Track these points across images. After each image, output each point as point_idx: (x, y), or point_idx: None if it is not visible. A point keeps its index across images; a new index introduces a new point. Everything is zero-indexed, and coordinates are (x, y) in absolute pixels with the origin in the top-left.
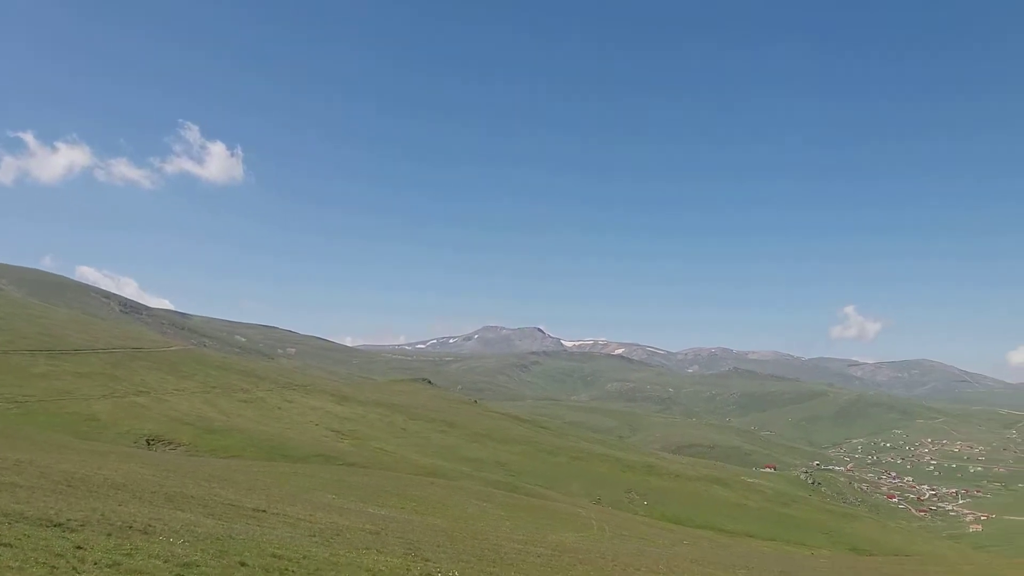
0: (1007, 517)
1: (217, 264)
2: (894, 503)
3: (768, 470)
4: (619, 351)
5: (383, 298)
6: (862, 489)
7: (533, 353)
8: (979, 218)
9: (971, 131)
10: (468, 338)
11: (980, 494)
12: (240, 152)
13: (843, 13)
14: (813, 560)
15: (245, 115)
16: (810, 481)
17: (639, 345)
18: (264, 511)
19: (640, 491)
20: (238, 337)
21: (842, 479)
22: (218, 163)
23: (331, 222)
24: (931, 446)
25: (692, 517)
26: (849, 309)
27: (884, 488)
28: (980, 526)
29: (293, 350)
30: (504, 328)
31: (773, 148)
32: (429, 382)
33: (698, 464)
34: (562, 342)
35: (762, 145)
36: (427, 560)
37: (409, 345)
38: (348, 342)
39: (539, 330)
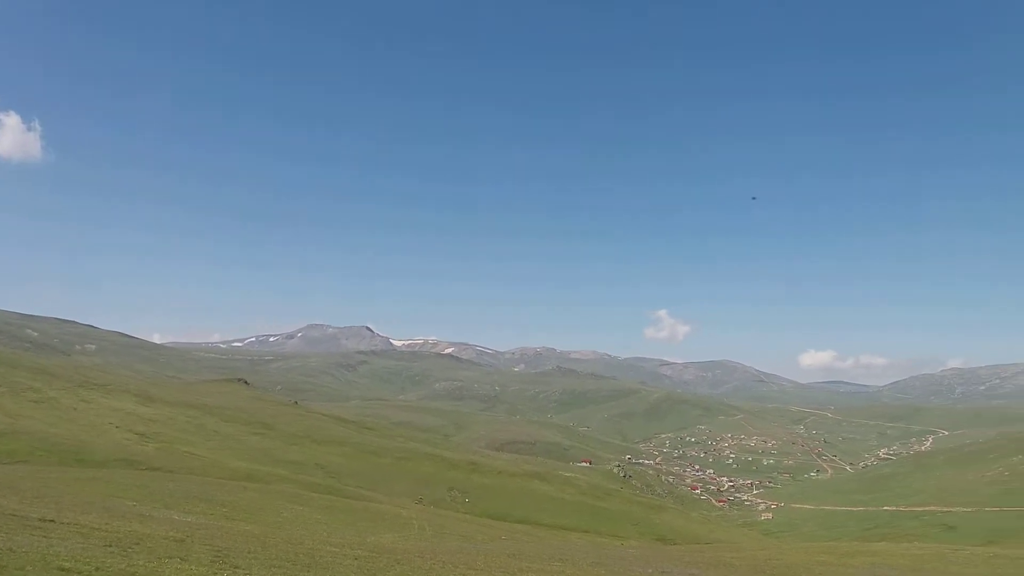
0: (794, 505)
1: (5, 251)
2: (697, 494)
3: (584, 464)
4: (449, 350)
5: (197, 294)
6: (669, 481)
7: (360, 352)
8: (773, 235)
9: (777, 136)
10: (290, 336)
11: (771, 484)
12: (38, 127)
13: None
14: (623, 550)
15: (46, 84)
16: (622, 474)
17: (469, 344)
18: (53, 521)
19: (462, 489)
20: (29, 331)
21: (651, 472)
22: (10, 137)
23: (140, 213)
24: (731, 441)
25: (512, 512)
26: (662, 312)
27: (688, 480)
28: (771, 514)
29: (93, 347)
30: (330, 326)
31: (591, 151)
32: (245, 382)
33: (520, 460)
34: (391, 341)
35: (579, 148)
36: (236, 567)
37: (225, 343)
38: (156, 339)
39: (367, 329)
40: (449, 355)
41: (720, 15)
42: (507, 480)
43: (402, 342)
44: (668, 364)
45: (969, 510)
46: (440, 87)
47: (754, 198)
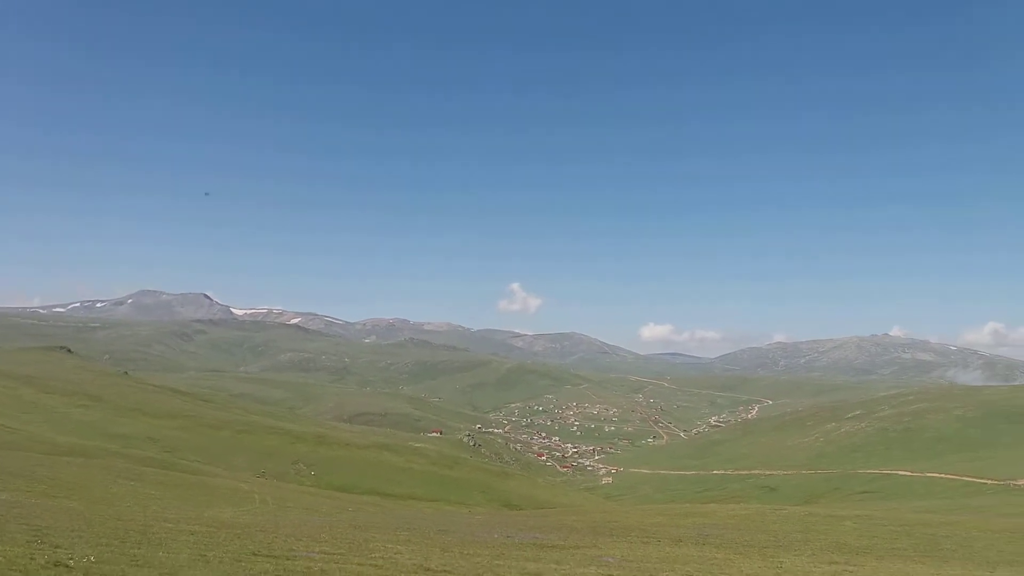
0: (632, 470)
1: None
2: (543, 461)
3: (435, 434)
4: (295, 320)
5: (13, 254)
6: (517, 449)
7: (198, 321)
8: (619, 214)
9: (613, 120)
10: (120, 303)
11: (612, 450)
12: None
13: None
14: (470, 517)
15: None
16: (472, 443)
17: (316, 315)
18: None
19: (308, 462)
20: None
21: (500, 441)
22: None
23: None
24: (576, 409)
25: (359, 484)
26: (515, 285)
27: (535, 448)
28: (611, 479)
29: None
30: (164, 293)
31: (445, 125)
32: (69, 351)
33: (369, 432)
34: (232, 310)
35: (435, 125)
36: (57, 547)
37: (45, 309)
38: None
39: (205, 296)
40: (295, 325)
41: None
42: (355, 452)
43: (244, 311)
44: (520, 336)
45: (789, 473)
46: (282, 61)
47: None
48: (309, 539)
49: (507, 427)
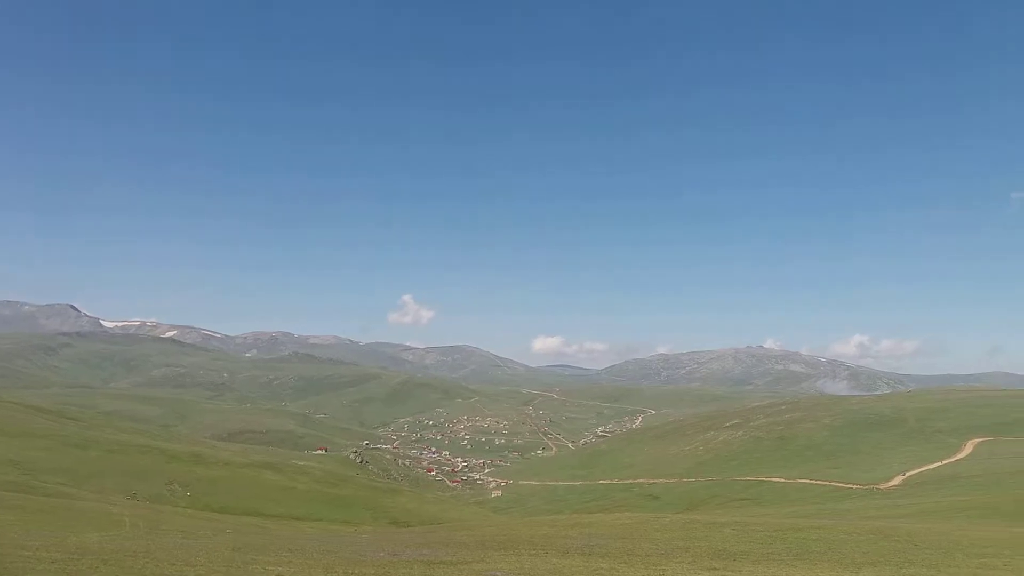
0: (521, 482)
1: None
2: (432, 476)
3: (320, 452)
4: (170, 333)
5: None
6: (406, 465)
7: (63, 334)
8: (510, 227)
9: (507, 133)
10: None
11: (502, 463)
12: None
13: None
14: (356, 535)
15: None
16: (359, 460)
17: (193, 328)
18: None
19: (184, 482)
20: None
21: (388, 456)
22: None
23: None
24: (467, 422)
25: (238, 505)
26: (407, 297)
27: (425, 463)
28: (500, 491)
29: None
30: (27, 304)
31: (317, 139)
32: None
33: (249, 451)
34: (101, 322)
35: (301, 139)
36: None
37: None
38: None
39: (72, 308)
40: (170, 339)
41: None
42: (235, 471)
43: (114, 323)
44: (410, 349)
45: (671, 481)
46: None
47: None
48: (184, 564)
49: (396, 443)
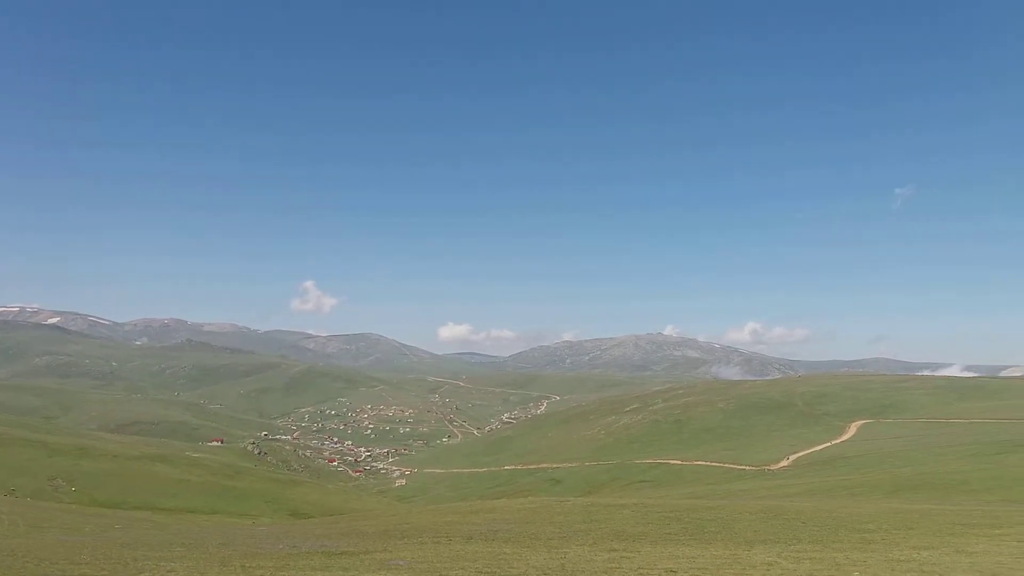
0: (426, 470)
1: None
2: (334, 466)
3: (216, 443)
4: (53, 320)
5: None
6: (306, 455)
7: None
8: (417, 213)
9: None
10: None
11: (407, 452)
12: None
13: None
14: (254, 528)
15: None
16: (257, 452)
17: (79, 314)
18: None
19: (69, 477)
20: None
21: (288, 447)
22: None
23: None
24: (371, 412)
25: (128, 499)
26: (309, 284)
27: (326, 453)
28: (404, 480)
29: None
30: None
31: (220, 125)
32: None
33: (140, 443)
34: None
35: (202, 126)
36: None
37: None
38: None
39: None
40: (53, 325)
41: None
42: (124, 464)
43: None
44: (312, 337)
45: (573, 465)
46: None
47: None
48: (67, 562)
49: (296, 433)
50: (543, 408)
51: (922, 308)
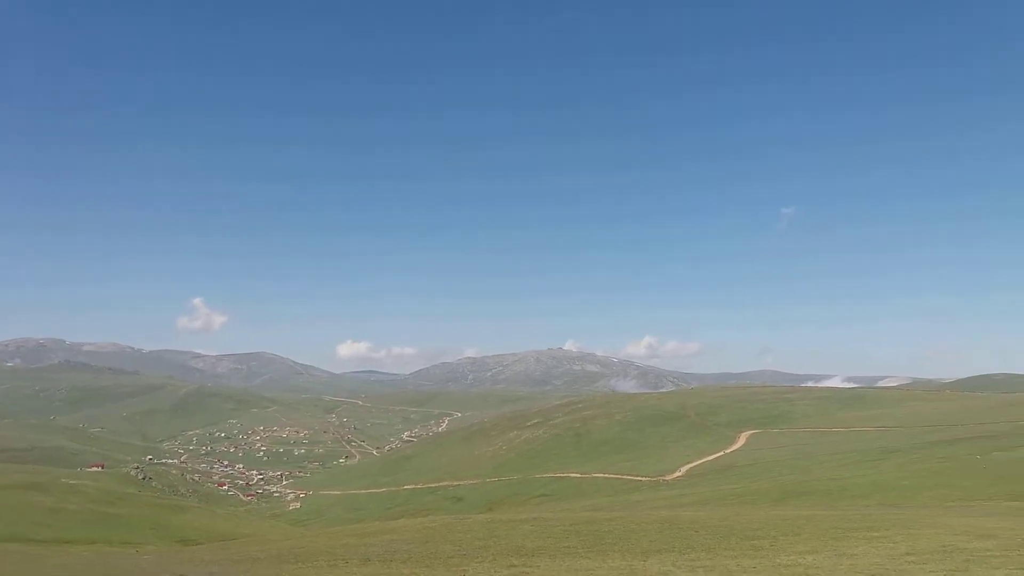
0: (322, 492)
1: None
2: (224, 491)
3: (96, 469)
4: None
5: None
6: (194, 480)
7: None
8: (310, 230)
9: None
10: None
11: (301, 474)
12: None
13: None
14: (137, 557)
15: None
16: (141, 477)
17: None
18: None
19: None
20: None
21: (174, 472)
22: None
23: None
24: (263, 433)
25: None
26: (197, 301)
27: (216, 477)
28: (299, 503)
29: None
30: None
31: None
32: None
33: (10, 471)
34: None
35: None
36: None
37: None
38: None
39: None
40: None
41: None
42: None
43: None
44: (200, 356)
45: (475, 482)
46: None
47: None
48: None
49: (184, 457)
50: (444, 425)
51: (804, 322)
